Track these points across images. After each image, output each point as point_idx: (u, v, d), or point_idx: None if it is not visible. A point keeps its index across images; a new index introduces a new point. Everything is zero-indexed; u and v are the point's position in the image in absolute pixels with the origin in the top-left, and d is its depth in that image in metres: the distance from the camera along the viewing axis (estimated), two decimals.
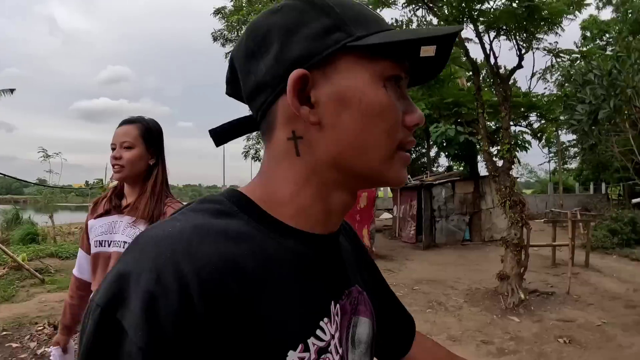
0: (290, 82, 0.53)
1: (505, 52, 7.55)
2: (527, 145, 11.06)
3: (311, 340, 0.54)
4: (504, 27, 6.77)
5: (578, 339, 5.31)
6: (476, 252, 11.31)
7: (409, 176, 10.04)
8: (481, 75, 7.74)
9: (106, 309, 0.43)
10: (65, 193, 27.32)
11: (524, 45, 7.04)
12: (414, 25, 7.62)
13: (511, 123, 7.86)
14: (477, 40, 6.88)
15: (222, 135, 0.67)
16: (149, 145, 1.83)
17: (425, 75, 0.65)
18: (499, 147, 7.51)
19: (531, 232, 7.37)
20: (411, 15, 7.50)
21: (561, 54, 8.70)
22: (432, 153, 20.25)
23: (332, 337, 0.58)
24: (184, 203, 1.80)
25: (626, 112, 12.65)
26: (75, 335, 2.00)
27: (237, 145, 41.07)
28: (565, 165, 25.85)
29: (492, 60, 6.90)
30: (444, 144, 14.02)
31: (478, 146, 12.29)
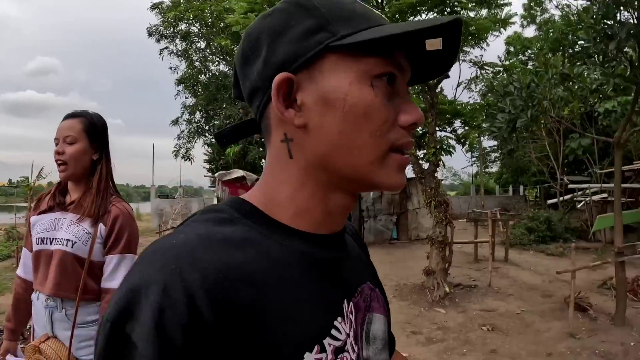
0: (274, 87, 0.53)
1: None
2: (451, 149, 11.49)
3: (327, 341, 0.53)
4: None
5: (500, 326, 5.68)
6: (403, 250, 11.59)
7: None
8: None
9: (115, 324, 0.43)
10: None
11: None
12: None
13: (437, 128, 8.14)
14: None
15: (227, 137, 0.68)
16: (93, 139, 1.77)
17: (435, 70, 0.62)
18: (425, 151, 7.75)
19: (455, 230, 7.71)
20: None
21: (486, 66, 9.33)
22: None
23: (348, 335, 0.57)
24: (125, 202, 1.80)
25: (542, 121, 13.37)
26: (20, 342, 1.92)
27: (168, 143, 39.40)
28: (487, 169, 26.37)
29: None
30: None
31: None
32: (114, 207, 1.75)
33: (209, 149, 19.99)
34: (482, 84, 16.50)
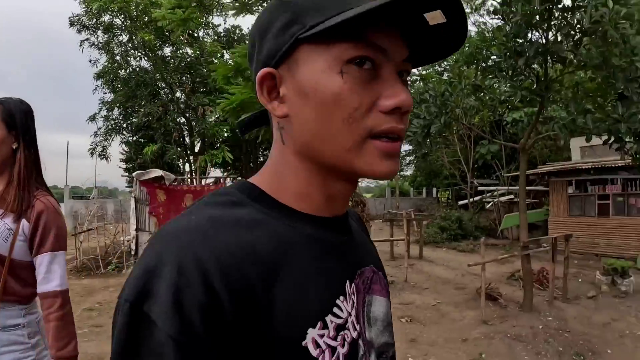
0: (256, 82, 0.57)
1: None
2: None
3: (329, 318, 0.54)
4: None
5: (417, 317, 6.09)
6: None
7: None
8: None
9: (134, 303, 0.45)
10: None
11: None
12: None
13: None
14: None
15: (247, 126, 0.71)
16: (11, 128, 1.64)
17: (447, 46, 0.59)
18: None
19: (371, 230, 8.16)
20: None
21: None
22: None
23: (349, 314, 0.58)
24: (50, 197, 1.68)
25: (455, 128, 14.21)
26: None
27: (84, 141, 36.87)
28: (402, 172, 27.17)
29: None
30: None
31: None
32: (38, 201, 1.62)
33: (126, 148, 19.15)
34: None
